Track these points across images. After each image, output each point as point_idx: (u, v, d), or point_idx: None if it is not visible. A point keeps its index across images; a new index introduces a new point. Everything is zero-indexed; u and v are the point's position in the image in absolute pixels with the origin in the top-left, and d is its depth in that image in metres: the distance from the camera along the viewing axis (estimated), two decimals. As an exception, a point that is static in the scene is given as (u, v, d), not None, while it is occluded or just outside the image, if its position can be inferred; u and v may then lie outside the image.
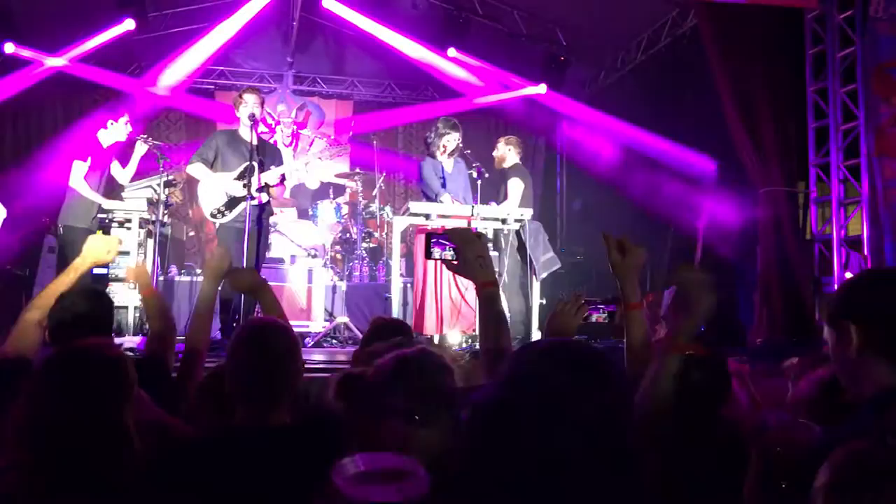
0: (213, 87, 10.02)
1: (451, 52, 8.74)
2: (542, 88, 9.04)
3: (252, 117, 5.58)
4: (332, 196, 8.47)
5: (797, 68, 6.80)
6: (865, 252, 6.14)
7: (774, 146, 6.63)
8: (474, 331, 5.76)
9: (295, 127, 10.14)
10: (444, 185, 6.15)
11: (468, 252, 2.03)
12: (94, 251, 2.79)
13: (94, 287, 2.71)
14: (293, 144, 10.08)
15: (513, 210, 6.07)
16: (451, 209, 5.93)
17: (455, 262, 2.07)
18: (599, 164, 8.49)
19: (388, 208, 8.44)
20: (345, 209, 8.31)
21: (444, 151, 6.18)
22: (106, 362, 1.78)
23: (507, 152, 6.54)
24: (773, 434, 1.69)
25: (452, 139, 6.16)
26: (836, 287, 6.30)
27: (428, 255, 2.13)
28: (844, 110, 6.41)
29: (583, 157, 8.94)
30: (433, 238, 2.11)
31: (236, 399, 2.01)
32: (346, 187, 8.75)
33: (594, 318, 2.45)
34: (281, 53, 9.94)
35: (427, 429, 1.53)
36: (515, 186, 6.37)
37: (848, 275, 6.33)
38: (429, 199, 6.09)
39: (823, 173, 6.59)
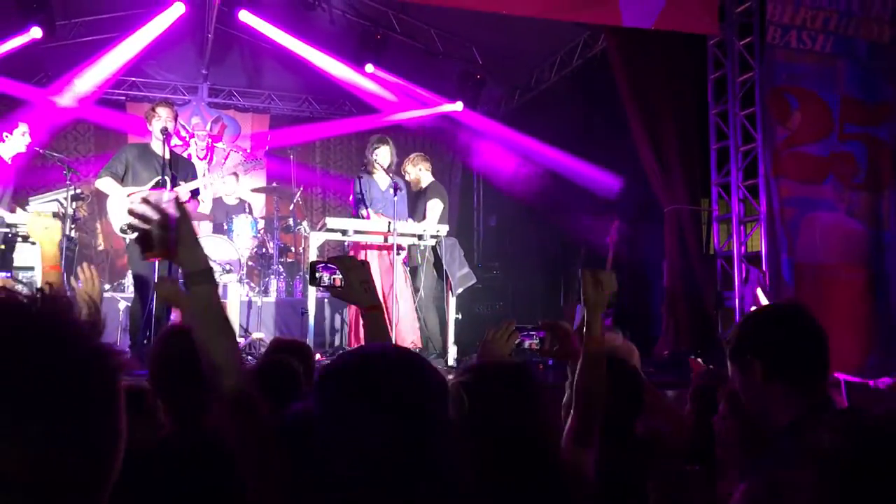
0: (124, 98, 9.79)
1: (369, 68, 8.79)
2: (458, 106, 9.18)
3: (164, 131, 5.49)
4: (248, 211, 8.38)
5: (700, 91, 7.11)
6: (764, 268, 6.44)
7: (679, 166, 6.93)
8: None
9: (210, 140, 10.00)
10: (370, 203, 6.19)
11: (353, 278, 2.09)
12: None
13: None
14: (208, 157, 9.93)
15: (428, 226, 6.15)
16: (368, 225, 5.98)
17: (340, 288, 2.13)
18: (514, 182, 8.67)
19: (305, 223, 8.40)
20: (261, 224, 8.23)
21: (379, 167, 6.22)
22: None
23: (419, 172, 6.62)
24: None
25: (383, 153, 6.22)
26: (736, 301, 6.61)
27: (313, 281, 2.17)
28: (744, 132, 6.72)
29: (498, 175, 9.11)
30: (319, 265, 2.16)
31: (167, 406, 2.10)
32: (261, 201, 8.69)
33: (527, 344, 2.50)
34: (195, 65, 9.79)
35: None
36: (434, 207, 6.45)
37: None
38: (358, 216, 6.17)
39: (725, 192, 6.90)
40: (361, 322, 2.26)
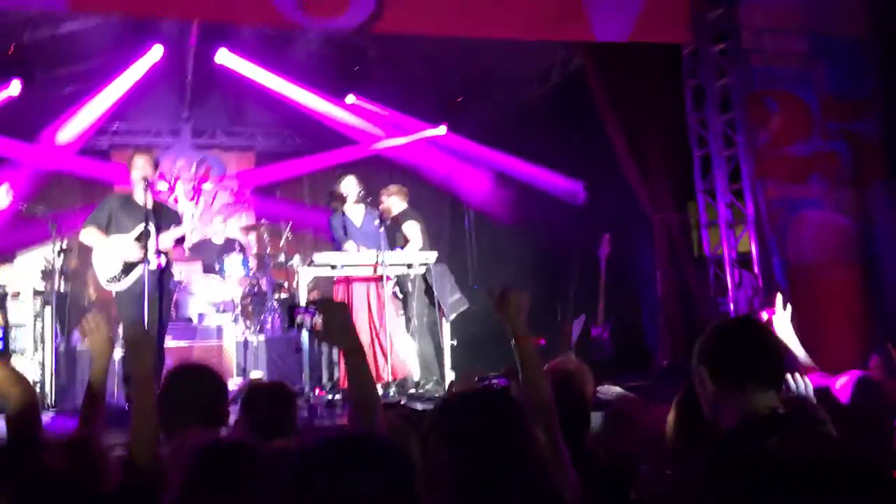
0: (108, 146, 9.78)
1: (350, 98, 8.83)
2: (441, 130, 9.20)
3: (145, 180, 5.48)
4: (238, 249, 8.36)
5: (680, 98, 7.11)
6: (756, 271, 6.43)
7: (663, 174, 6.96)
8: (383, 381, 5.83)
9: (196, 181, 9.99)
10: (347, 235, 6.20)
11: (331, 320, 2.10)
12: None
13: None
14: (195, 199, 9.92)
15: (417, 255, 6.13)
16: (357, 258, 5.96)
17: (319, 331, 2.14)
18: (501, 202, 8.68)
19: (296, 258, 8.37)
20: (252, 262, 8.22)
21: (347, 201, 6.23)
22: None
23: (391, 202, 6.61)
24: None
25: (348, 185, 6.25)
26: (731, 306, 6.59)
27: (291, 325, 2.20)
28: (725, 137, 6.72)
29: (485, 196, 9.12)
30: (297, 309, 2.18)
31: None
32: (251, 239, 8.70)
33: None
34: (177, 107, 9.80)
35: None
36: (412, 228, 6.46)
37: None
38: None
39: (711, 198, 6.88)
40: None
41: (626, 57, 6.80)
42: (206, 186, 9.50)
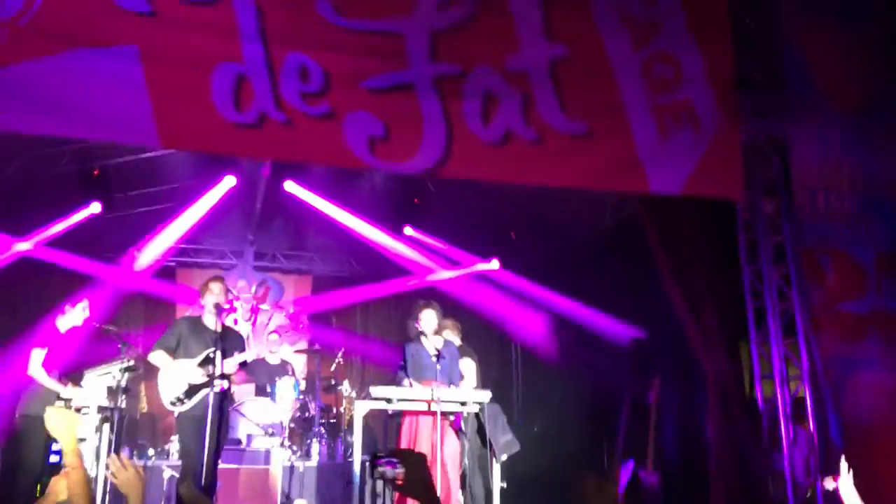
0: (174, 265, 10.16)
1: (408, 230, 9.14)
2: (494, 265, 9.41)
3: (217, 306, 5.72)
4: (290, 372, 8.52)
5: (734, 250, 7.22)
6: (811, 428, 6.35)
7: (717, 325, 6.94)
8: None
9: (254, 302, 10.29)
10: (420, 371, 6.19)
11: (412, 474, 2.17)
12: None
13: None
14: (252, 320, 10.18)
15: (472, 393, 6.17)
16: (411, 393, 6.02)
17: (401, 484, 2.21)
18: (551, 339, 8.76)
19: (345, 383, 8.50)
20: (303, 384, 8.35)
21: (426, 333, 6.27)
22: None
23: (446, 337, 6.68)
24: None
25: (426, 317, 6.28)
26: (786, 463, 6.48)
27: (373, 474, 2.27)
28: (779, 292, 6.79)
29: (535, 332, 9.21)
30: (380, 459, 2.25)
31: None
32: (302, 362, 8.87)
33: None
34: (242, 230, 10.22)
35: None
36: (468, 366, 6.52)
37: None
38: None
39: (765, 351, 6.89)
40: None
41: (680, 204, 6.95)
42: (264, 307, 9.78)
